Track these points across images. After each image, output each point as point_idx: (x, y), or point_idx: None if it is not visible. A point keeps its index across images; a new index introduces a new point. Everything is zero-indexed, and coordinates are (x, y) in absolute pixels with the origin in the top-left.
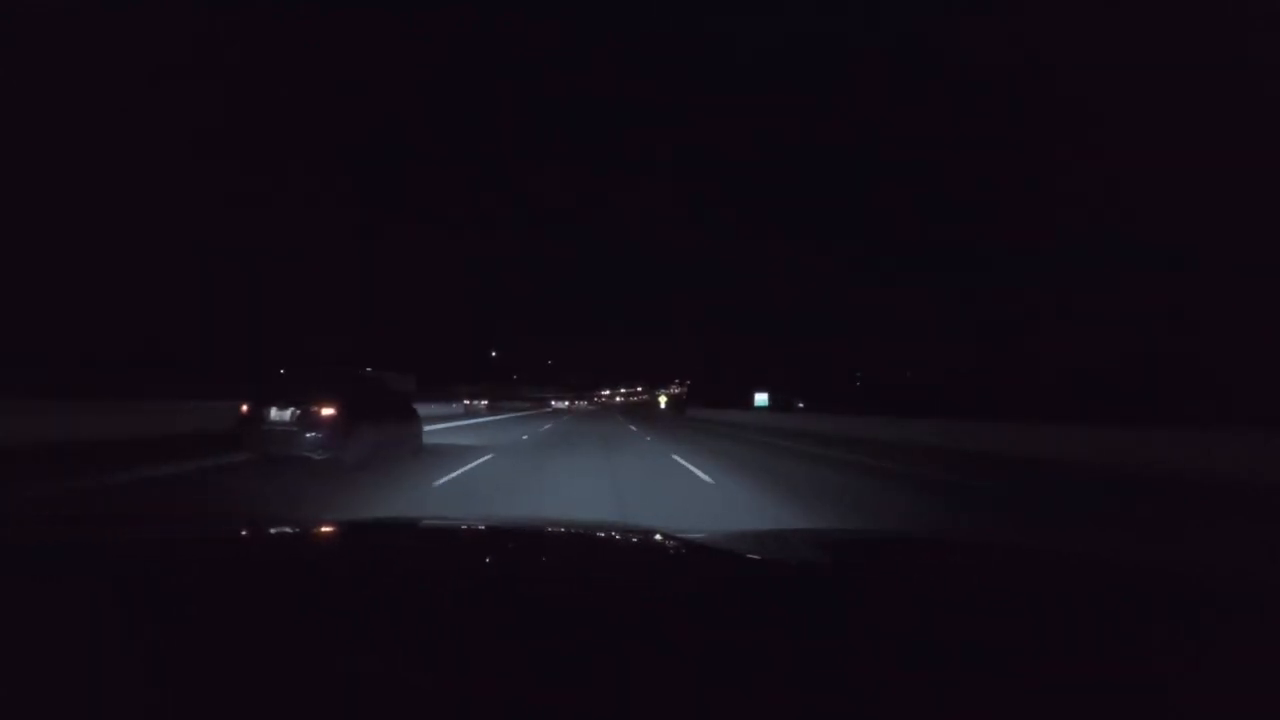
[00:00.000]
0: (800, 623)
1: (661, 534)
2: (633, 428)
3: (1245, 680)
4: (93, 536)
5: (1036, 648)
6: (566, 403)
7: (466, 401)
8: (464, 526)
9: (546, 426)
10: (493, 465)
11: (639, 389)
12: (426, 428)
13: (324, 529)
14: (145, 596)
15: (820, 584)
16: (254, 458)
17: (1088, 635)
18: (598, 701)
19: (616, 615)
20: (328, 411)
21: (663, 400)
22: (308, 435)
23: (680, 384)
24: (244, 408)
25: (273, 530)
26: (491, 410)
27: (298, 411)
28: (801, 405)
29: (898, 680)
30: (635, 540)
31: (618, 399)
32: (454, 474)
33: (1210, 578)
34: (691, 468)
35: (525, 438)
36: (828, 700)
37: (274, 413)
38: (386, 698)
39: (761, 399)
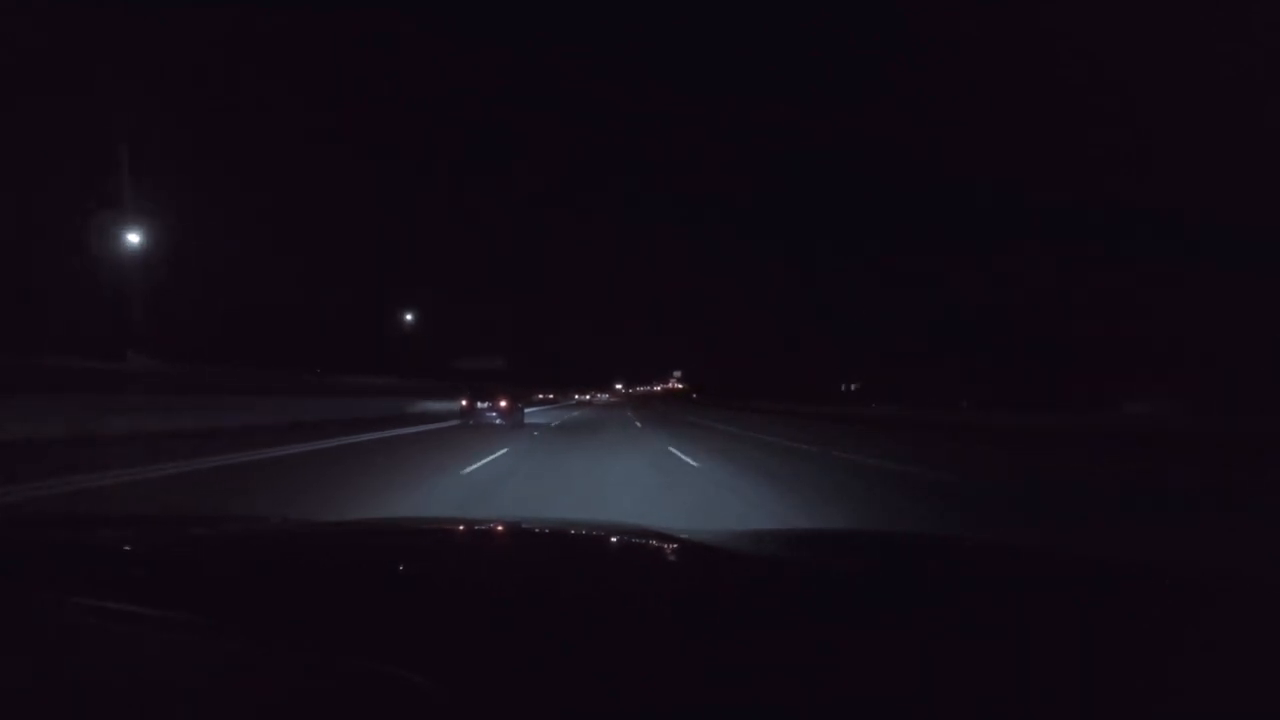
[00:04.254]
0: (801, 622)
1: (662, 534)
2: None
3: (1239, 679)
4: (87, 537)
5: (1034, 647)
6: (589, 396)
7: (540, 395)
8: (465, 527)
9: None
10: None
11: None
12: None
13: (324, 529)
14: (144, 596)
15: (822, 584)
16: (465, 422)
17: (1081, 634)
18: (597, 701)
19: (617, 615)
20: (504, 403)
21: None
22: (492, 413)
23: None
24: (463, 402)
25: (271, 530)
26: (553, 402)
27: (490, 403)
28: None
29: (897, 679)
30: (635, 540)
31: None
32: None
33: (1206, 577)
34: None
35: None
36: (829, 699)
37: (479, 404)
38: (386, 698)
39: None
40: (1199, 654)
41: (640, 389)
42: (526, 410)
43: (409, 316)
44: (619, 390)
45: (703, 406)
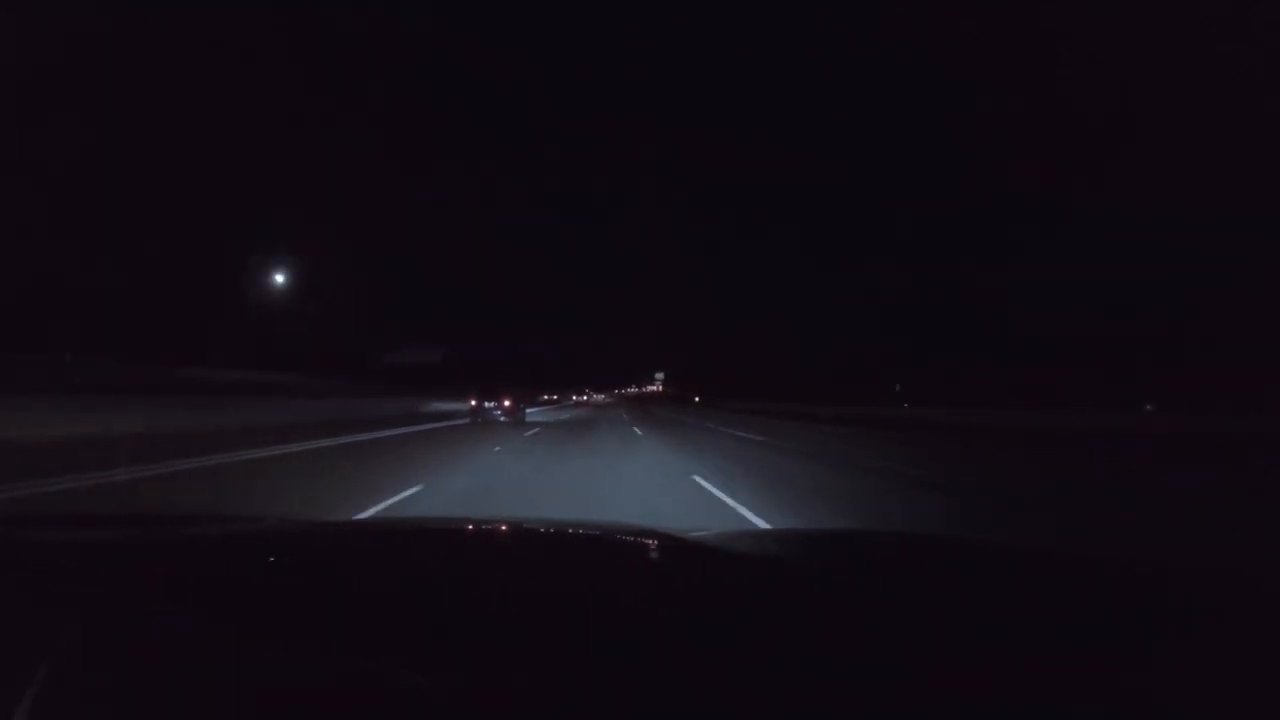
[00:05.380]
0: (802, 623)
1: (663, 534)
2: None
3: (1233, 681)
4: (84, 536)
5: (1034, 647)
6: (586, 396)
7: (545, 397)
8: (464, 527)
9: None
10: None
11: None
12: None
13: (322, 529)
14: (142, 596)
15: (823, 584)
16: (473, 420)
17: (1081, 635)
18: (596, 701)
19: (616, 616)
20: (508, 403)
21: None
22: (498, 411)
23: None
24: (472, 402)
25: (270, 530)
26: (553, 404)
27: (495, 403)
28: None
29: (898, 679)
30: (636, 541)
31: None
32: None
33: (1205, 577)
34: None
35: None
36: (830, 700)
37: (487, 404)
38: (385, 698)
39: None
40: (1196, 654)
41: (630, 390)
42: (529, 410)
43: (278, 278)
44: (615, 392)
45: (727, 413)
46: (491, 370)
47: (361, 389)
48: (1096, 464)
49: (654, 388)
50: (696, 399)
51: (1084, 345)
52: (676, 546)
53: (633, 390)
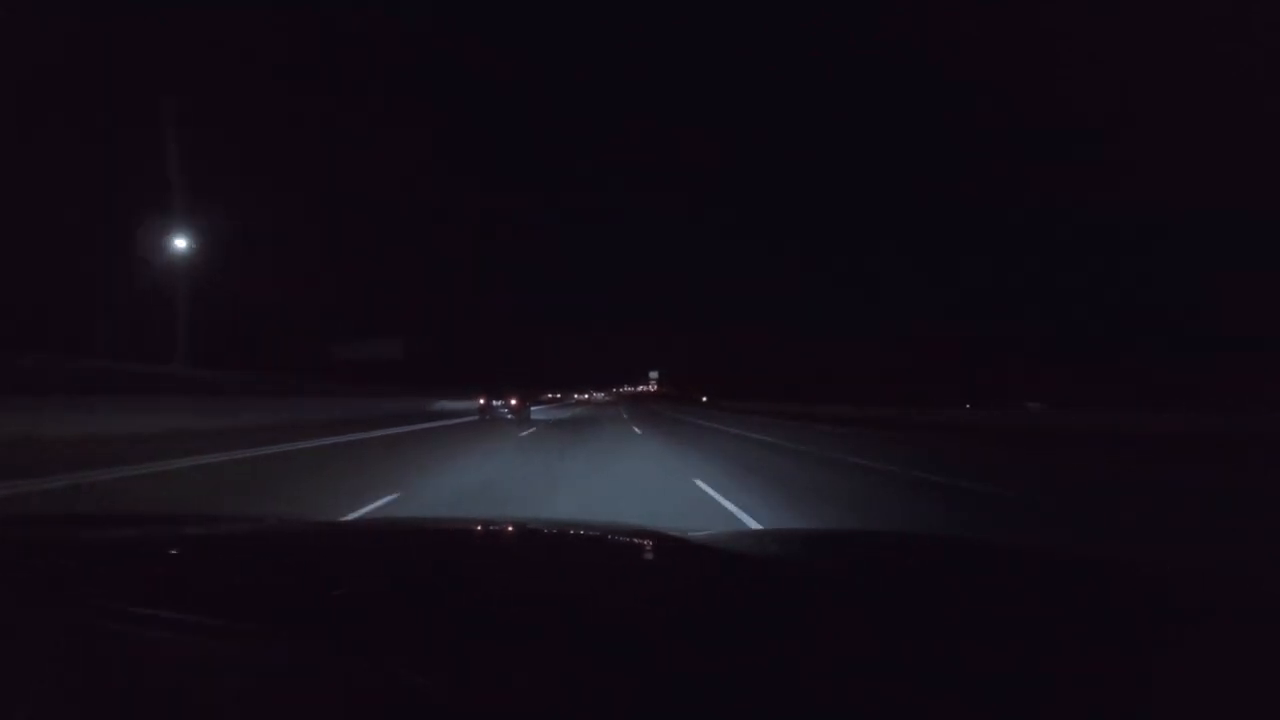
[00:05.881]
0: (802, 624)
1: (664, 535)
2: None
3: (1233, 681)
4: (82, 536)
5: (1033, 648)
6: (587, 396)
7: (548, 396)
8: (464, 528)
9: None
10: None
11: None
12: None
13: (322, 529)
14: (141, 597)
15: (824, 585)
16: (482, 419)
17: (1080, 636)
18: (596, 702)
19: (616, 616)
20: (514, 402)
21: None
22: (505, 410)
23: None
24: (481, 401)
25: (270, 530)
26: (556, 403)
27: (503, 402)
28: None
29: (893, 679)
30: (636, 541)
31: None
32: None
33: (1205, 578)
34: None
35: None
36: (829, 700)
37: (495, 403)
38: (385, 698)
39: None
40: (1197, 654)
41: (626, 389)
42: (533, 408)
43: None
44: (613, 391)
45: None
46: (492, 369)
47: (364, 389)
48: (1088, 465)
49: (648, 387)
50: (704, 399)
51: (1072, 347)
52: (676, 547)
53: (629, 389)
